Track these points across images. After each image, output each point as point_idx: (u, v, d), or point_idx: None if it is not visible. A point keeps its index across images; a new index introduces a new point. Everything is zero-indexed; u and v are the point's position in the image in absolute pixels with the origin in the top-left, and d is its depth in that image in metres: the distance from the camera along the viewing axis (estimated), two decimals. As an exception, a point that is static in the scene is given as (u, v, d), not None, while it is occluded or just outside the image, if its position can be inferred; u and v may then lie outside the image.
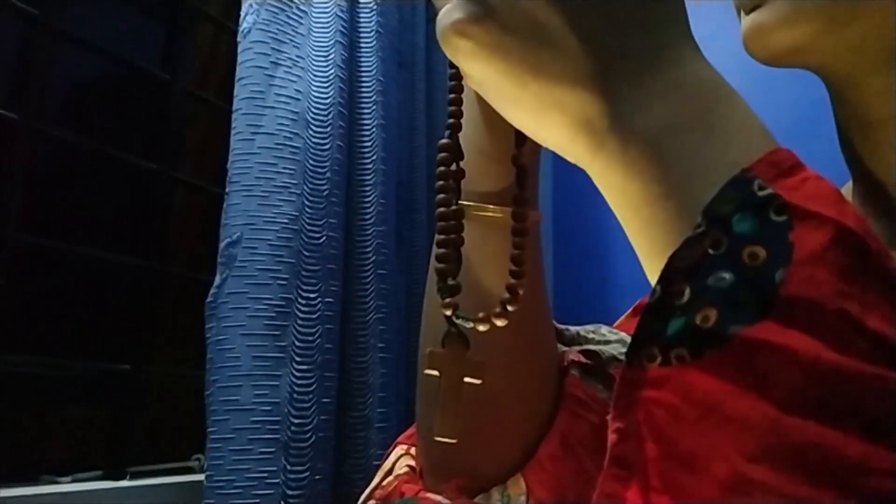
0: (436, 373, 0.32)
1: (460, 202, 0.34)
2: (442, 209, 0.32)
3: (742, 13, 0.41)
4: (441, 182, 0.32)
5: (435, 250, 0.33)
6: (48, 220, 0.96)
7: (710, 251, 0.21)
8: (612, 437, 0.21)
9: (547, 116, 0.27)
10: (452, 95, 0.32)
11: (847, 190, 0.48)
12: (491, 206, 0.35)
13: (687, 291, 0.21)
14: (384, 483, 0.41)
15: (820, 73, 0.43)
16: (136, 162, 1.04)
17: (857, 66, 0.41)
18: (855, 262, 0.21)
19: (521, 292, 0.32)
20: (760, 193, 0.22)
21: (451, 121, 0.33)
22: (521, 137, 0.33)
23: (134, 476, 0.93)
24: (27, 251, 0.90)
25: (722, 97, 0.25)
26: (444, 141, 0.33)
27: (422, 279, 1.18)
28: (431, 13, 0.81)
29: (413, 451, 0.43)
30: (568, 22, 0.25)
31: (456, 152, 0.33)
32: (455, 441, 0.32)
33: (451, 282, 0.32)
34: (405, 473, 0.41)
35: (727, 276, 0.21)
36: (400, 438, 0.45)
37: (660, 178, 0.24)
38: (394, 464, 0.43)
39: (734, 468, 0.18)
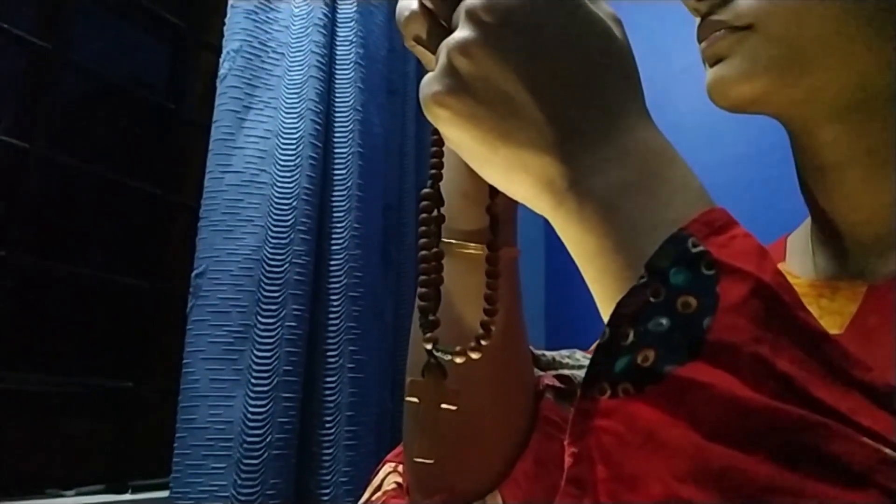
0: (416, 400, 0.36)
1: (443, 240, 0.38)
2: (424, 252, 0.37)
3: (707, 65, 0.45)
4: (423, 227, 0.37)
5: (418, 290, 0.37)
6: (54, 244, 1.09)
7: (651, 299, 0.25)
8: (568, 460, 0.25)
9: (515, 176, 0.31)
10: (434, 149, 0.37)
11: (806, 225, 0.51)
12: (472, 245, 0.39)
13: (631, 334, 0.25)
14: (373, 498, 0.47)
15: (778, 120, 0.47)
16: (138, 187, 1.16)
17: (810, 116, 0.45)
18: (770, 312, 0.24)
19: (493, 328, 0.36)
20: (694, 250, 0.25)
21: (433, 171, 0.37)
22: (494, 189, 0.37)
23: (136, 489, 1.03)
24: (35, 273, 1.03)
25: (665, 162, 0.29)
26: (426, 190, 0.37)
27: (410, 299, 1.22)
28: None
29: (400, 468, 0.47)
30: (533, 95, 0.29)
31: (437, 200, 0.37)
32: (433, 462, 0.36)
33: (431, 317, 0.36)
34: (393, 489, 0.46)
35: (664, 321, 0.24)
36: (388, 456, 0.51)
37: (611, 234, 0.28)
38: (382, 480, 0.48)
39: (667, 487, 0.22)
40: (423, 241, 0.37)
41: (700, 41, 0.46)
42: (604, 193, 0.29)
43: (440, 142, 0.37)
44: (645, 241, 0.27)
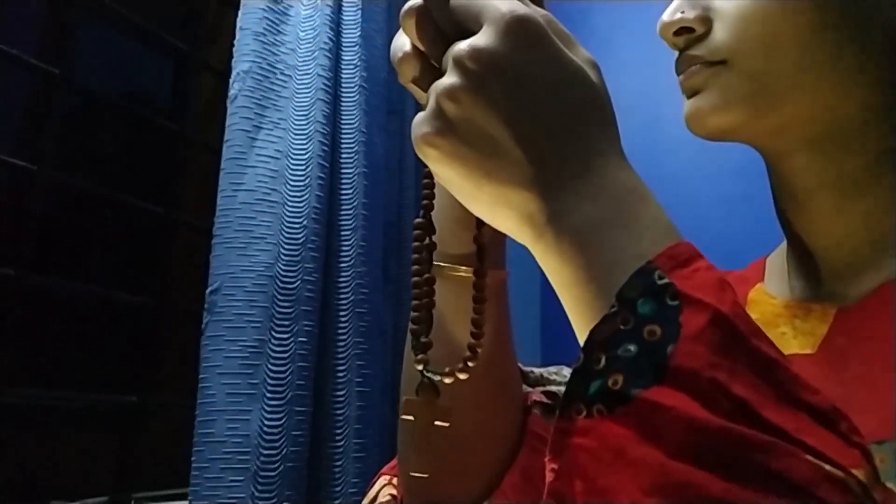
0: (410, 417, 0.38)
1: (436, 263, 0.40)
2: (416, 278, 0.39)
3: (685, 97, 0.48)
4: (415, 255, 0.39)
5: (411, 314, 0.39)
6: (61, 262, 1.09)
7: (621, 327, 0.27)
8: (549, 475, 0.27)
9: (498, 210, 0.33)
10: (426, 181, 0.39)
11: (784, 247, 0.53)
12: (462, 268, 0.41)
13: (603, 359, 0.27)
14: None
15: (753, 147, 0.49)
16: (142, 206, 1.17)
17: (781, 145, 0.48)
18: (727, 340, 0.26)
19: (479, 350, 0.38)
20: (659, 282, 0.27)
21: (425, 202, 0.39)
22: (480, 220, 0.39)
23: (138, 502, 1.04)
24: (42, 291, 1.04)
25: (636, 200, 0.31)
26: (418, 220, 0.39)
27: (409, 314, 1.24)
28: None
29: (395, 480, 0.50)
30: (515, 137, 0.31)
31: (428, 229, 0.39)
32: (427, 476, 0.38)
33: (423, 339, 0.38)
34: (388, 501, 0.49)
35: (632, 348, 0.27)
36: (384, 469, 0.53)
37: (585, 266, 0.30)
38: (378, 492, 0.50)
39: (634, 500, 0.24)
40: (415, 267, 0.39)
41: (678, 74, 0.48)
42: (579, 228, 0.31)
43: (431, 175, 0.38)
44: (616, 273, 0.29)
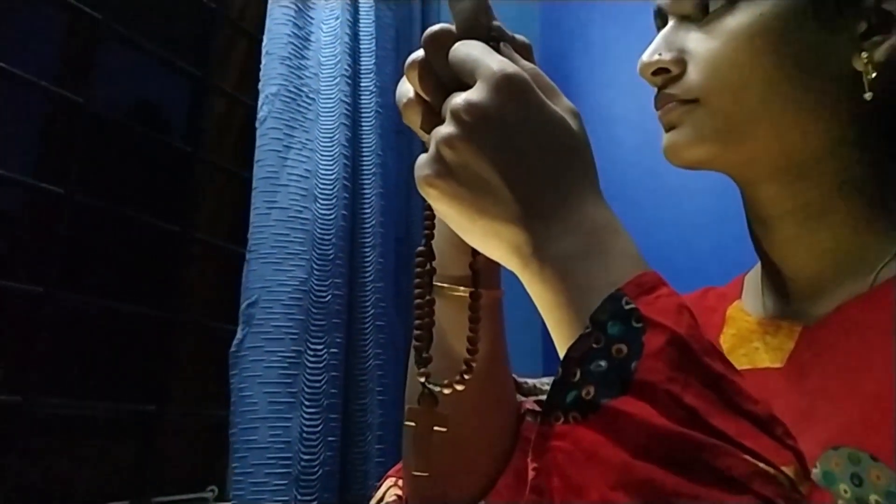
0: (413, 424, 0.41)
1: (436, 284, 0.44)
2: (418, 301, 0.42)
3: (664, 130, 0.53)
4: (417, 279, 0.43)
5: (413, 332, 0.42)
6: (86, 279, 1.11)
7: (594, 346, 0.31)
8: (531, 473, 0.31)
9: (490, 242, 0.37)
10: (427, 213, 0.42)
11: (759, 267, 0.58)
12: (460, 288, 0.45)
13: (578, 373, 0.31)
14: None
15: (727, 175, 0.54)
16: (161, 225, 1.20)
17: (750, 175, 0.52)
18: (682, 357, 0.30)
19: (474, 365, 0.42)
20: (626, 307, 0.31)
21: (426, 232, 0.43)
22: (475, 249, 0.43)
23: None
24: (69, 307, 1.05)
25: (609, 234, 0.35)
26: (420, 248, 0.43)
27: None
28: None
29: (400, 482, 0.53)
30: (504, 179, 0.35)
31: (429, 256, 0.43)
32: (427, 475, 0.42)
33: (424, 354, 0.42)
34: (394, 501, 0.52)
35: (603, 363, 0.30)
36: (390, 472, 0.57)
37: (565, 292, 0.34)
38: (384, 493, 0.54)
39: (603, 494, 0.28)
40: (417, 290, 0.43)
41: (657, 109, 0.53)
42: (560, 259, 0.35)
43: (431, 208, 0.41)
44: (590, 299, 0.33)
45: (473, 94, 0.35)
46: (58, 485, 1.00)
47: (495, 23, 0.39)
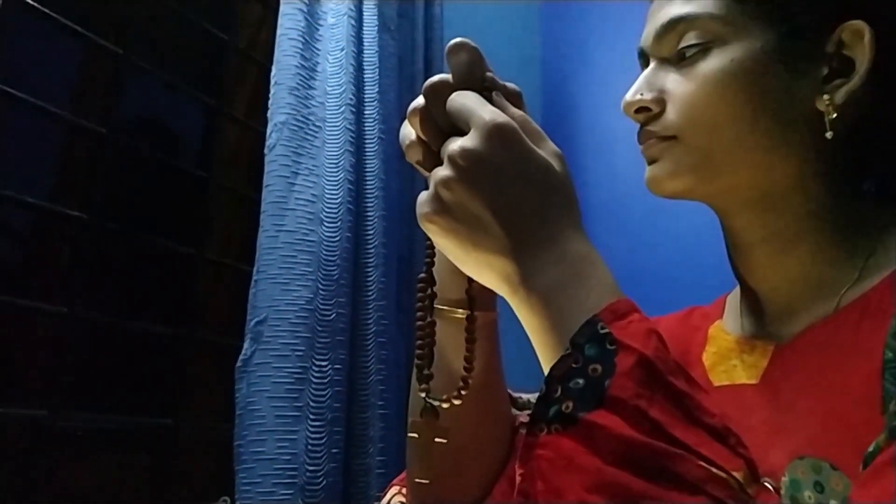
0: (415, 435, 0.45)
1: (437, 306, 0.48)
2: (420, 322, 0.47)
3: (646, 164, 0.58)
4: (419, 304, 0.47)
5: (415, 351, 0.47)
6: (106, 300, 1.16)
7: (573, 365, 0.35)
8: (518, 479, 0.35)
9: (483, 271, 0.42)
10: (428, 243, 0.47)
11: (738, 290, 0.61)
12: (459, 310, 0.49)
13: (559, 390, 0.35)
14: None
15: (706, 205, 0.58)
16: (175, 247, 1.26)
17: (725, 205, 0.56)
18: (648, 377, 0.34)
19: (470, 381, 0.46)
20: (601, 331, 0.35)
21: (427, 261, 0.47)
22: (471, 277, 0.47)
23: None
24: (90, 326, 1.10)
25: (588, 265, 0.39)
26: (421, 275, 0.47)
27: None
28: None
29: (404, 490, 0.57)
30: (494, 216, 0.39)
31: (430, 282, 0.47)
32: (429, 482, 0.46)
33: (426, 372, 0.46)
34: None
35: (580, 381, 0.34)
36: (395, 480, 0.62)
37: (549, 317, 0.39)
38: (389, 500, 0.59)
39: (580, 496, 0.31)
40: (419, 313, 0.47)
41: (640, 143, 0.56)
42: (544, 288, 0.39)
43: (431, 240, 0.45)
44: (571, 324, 0.37)
45: (468, 141, 0.39)
46: (79, 495, 1.05)
47: (488, 74, 0.44)
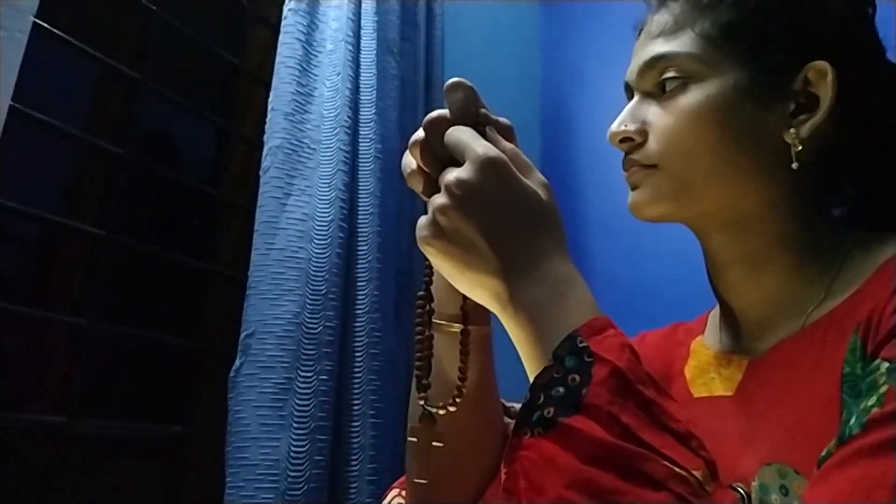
0: (414, 439, 0.49)
1: (434, 321, 0.52)
2: (418, 336, 0.51)
3: (629, 190, 0.61)
4: (418, 319, 0.51)
5: (414, 363, 0.51)
6: (120, 312, 1.27)
7: (555, 375, 0.40)
8: (503, 478, 0.39)
9: (476, 290, 0.47)
10: (426, 263, 0.51)
11: (717, 310, 0.65)
12: (455, 325, 0.54)
13: (542, 397, 0.39)
14: None
15: (685, 226, 0.63)
16: (185, 261, 1.34)
17: (702, 228, 0.61)
18: (621, 386, 0.39)
19: (464, 391, 0.51)
20: (580, 345, 0.40)
21: (426, 279, 0.52)
22: (465, 296, 0.52)
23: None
24: (107, 338, 1.20)
25: (570, 285, 0.44)
26: (420, 293, 0.52)
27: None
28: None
29: (403, 493, 0.61)
30: (486, 240, 0.44)
31: (428, 299, 0.52)
32: (426, 483, 0.51)
33: (424, 381, 0.50)
34: None
35: (561, 389, 0.39)
36: (395, 483, 0.67)
37: (534, 332, 0.43)
38: (389, 501, 0.64)
39: (558, 493, 0.36)
40: (418, 328, 0.51)
41: (624, 170, 0.61)
42: (530, 305, 0.43)
43: (429, 260, 0.50)
44: (554, 338, 0.41)
45: (462, 173, 0.44)
46: (93, 501, 1.14)
47: (482, 110, 0.49)
